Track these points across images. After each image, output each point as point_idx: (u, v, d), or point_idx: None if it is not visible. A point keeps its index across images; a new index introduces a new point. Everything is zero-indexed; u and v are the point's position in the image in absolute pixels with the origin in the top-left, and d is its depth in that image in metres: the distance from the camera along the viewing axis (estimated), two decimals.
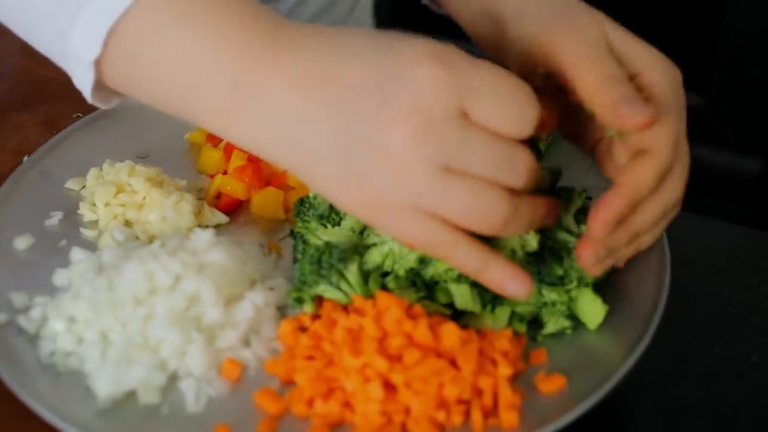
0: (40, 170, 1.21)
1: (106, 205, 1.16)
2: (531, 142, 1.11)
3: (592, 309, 1.01)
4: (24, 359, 1.01)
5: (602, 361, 0.98)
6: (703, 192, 2.50)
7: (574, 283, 1.01)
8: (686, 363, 1.07)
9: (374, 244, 1.03)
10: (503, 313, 1.01)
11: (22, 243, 1.13)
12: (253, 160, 1.19)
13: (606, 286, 1.03)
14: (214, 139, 1.25)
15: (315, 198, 1.08)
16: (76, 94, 1.37)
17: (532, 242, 1.00)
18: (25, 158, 1.23)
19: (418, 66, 0.86)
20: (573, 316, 1.01)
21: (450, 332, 0.96)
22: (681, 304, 1.09)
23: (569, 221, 1.05)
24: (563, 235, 1.04)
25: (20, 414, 0.97)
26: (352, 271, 1.01)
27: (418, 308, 0.98)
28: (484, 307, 1.01)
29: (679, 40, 2.44)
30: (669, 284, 1.03)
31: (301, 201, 1.10)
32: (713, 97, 2.50)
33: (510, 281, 0.93)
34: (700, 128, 2.58)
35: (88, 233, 1.15)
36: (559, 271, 1.00)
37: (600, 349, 1.00)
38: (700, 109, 2.50)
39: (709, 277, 1.15)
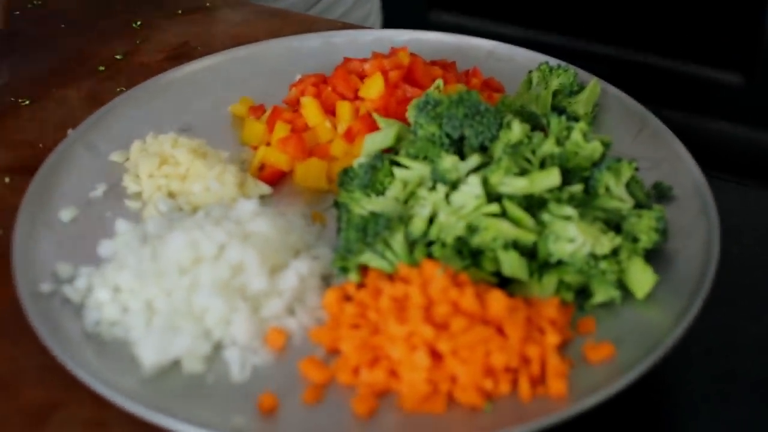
0: (84, 143, 1.21)
1: (150, 176, 1.16)
2: (575, 119, 1.10)
3: (641, 278, 0.99)
4: (69, 328, 1.01)
5: (651, 330, 0.97)
6: (747, 172, 2.48)
7: (626, 254, 0.99)
8: (735, 333, 1.06)
9: (418, 214, 1.02)
10: (551, 281, 1.00)
11: (67, 214, 1.13)
12: (296, 131, 1.19)
13: (655, 255, 1.02)
14: (257, 111, 1.25)
15: (360, 167, 1.07)
16: (119, 69, 1.39)
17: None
18: (70, 131, 1.24)
19: None
20: (622, 285, 1.00)
21: (497, 300, 0.95)
22: (729, 273, 1.07)
23: (620, 191, 1.03)
24: (615, 203, 1.03)
25: (66, 382, 0.98)
26: (397, 240, 1.01)
27: (464, 276, 0.98)
28: (531, 275, 1.00)
29: (723, 20, 2.41)
30: (718, 254, 1.02)
31: (345, 171, 1.10)
32: (756, 77, 2.47)
33: None
34: (742, 107, 2.55)
35: (132, 205, 1.15)
36: (617, 241, 0.99)
37: (649, 318, 0.98)
38: (743, 88, 2.48)
39: (758, 247, 1.14)
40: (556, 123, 1.07)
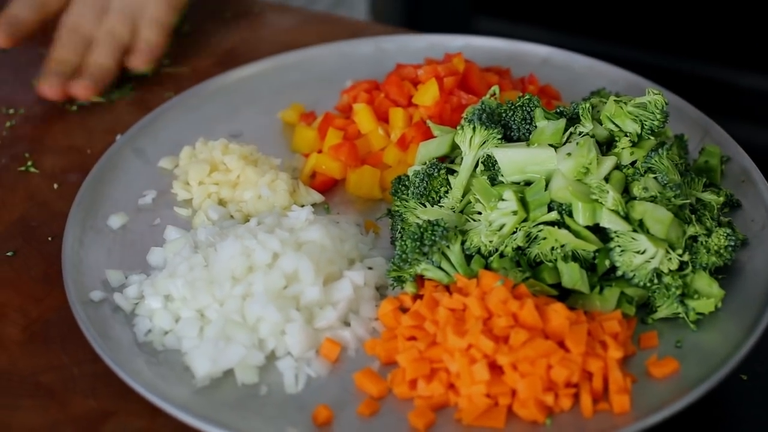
0: (132, 149, 1.20)
1: (200, 183, 1.14)
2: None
3: (707, 293, 0.97)
4: (121, 337, 1.00)
5: (717, 346, 0.94)
6: None
7: (690, 267, 0.97)
8: None
9: (474, 228, 1.00)
10: (612, 294, 0.97)
11: (116, 221, 1.12)
12: (348, 139, 1.17)
13: (720, 267, 0.99)
14: (307, 118, 1.23)
15: (415, 176, 1.05)
16: (167, 74, 1.37)
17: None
18: (118, 137, 1.22)
19: None
20: (686, 300, 0.97)
21: (558, 313, 0.93)
22: None
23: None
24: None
25: (118, 391, 0.96)
26: (454, 251, 0.99)
27: (523, 288, 0.95)
28: (592, 288, 0.98)
29: (755, 22, 2.37)
30: None
31: (399, 179, 1.08)
32: None
33: None
34: None
35: (181, 212, 1.14)
36: (686, 257, 0.97)
37: (714, 333, 0.96)
38: None
39: None
40: None
